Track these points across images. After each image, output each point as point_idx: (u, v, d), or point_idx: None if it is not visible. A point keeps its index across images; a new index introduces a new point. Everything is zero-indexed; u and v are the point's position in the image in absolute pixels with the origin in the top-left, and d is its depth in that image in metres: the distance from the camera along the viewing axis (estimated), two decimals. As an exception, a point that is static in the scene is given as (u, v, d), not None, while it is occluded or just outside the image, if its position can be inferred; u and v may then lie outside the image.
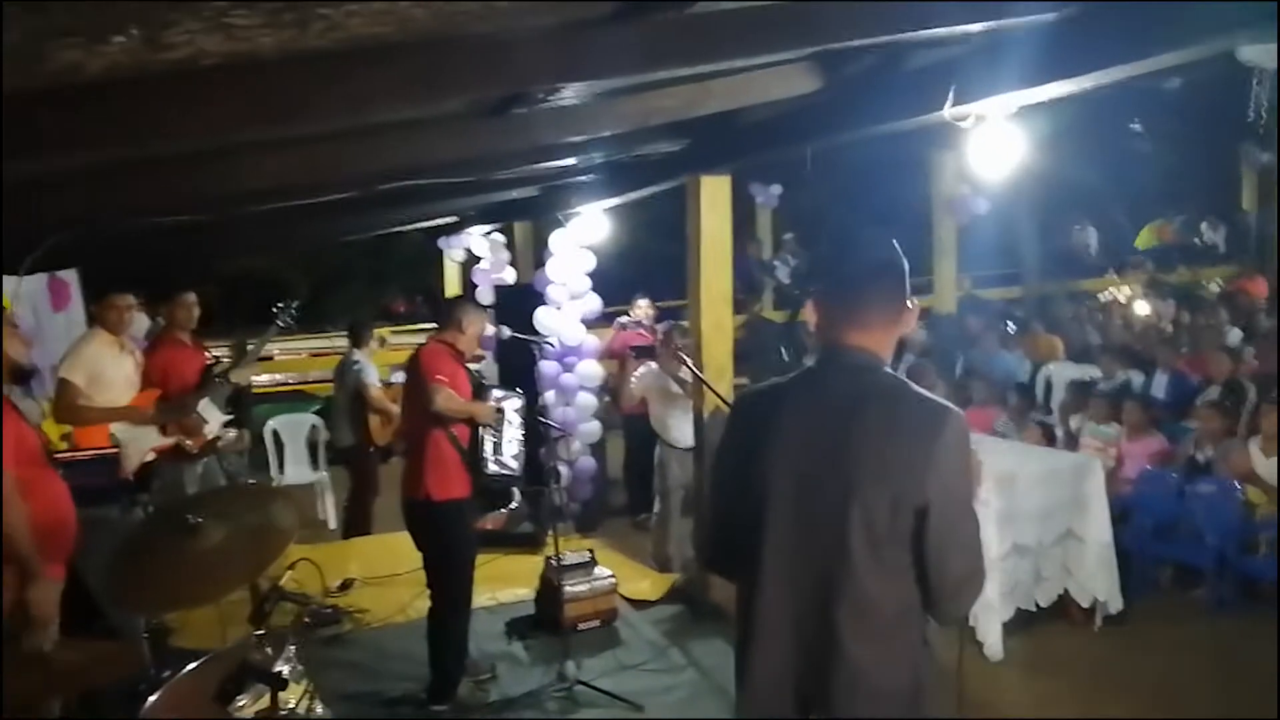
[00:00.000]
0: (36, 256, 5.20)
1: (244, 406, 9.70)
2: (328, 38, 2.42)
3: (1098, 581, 5.41)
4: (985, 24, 3.04)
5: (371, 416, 7.27)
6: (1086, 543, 5.40)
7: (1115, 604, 5.47)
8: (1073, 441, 6.97)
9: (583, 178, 6.72)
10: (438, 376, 4.54)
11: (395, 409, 6.99)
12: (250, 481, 7.52)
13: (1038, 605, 5.38)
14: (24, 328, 6.17)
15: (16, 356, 3.65)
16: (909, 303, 2.16)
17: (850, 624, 1.99)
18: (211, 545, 2.89)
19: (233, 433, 7.95)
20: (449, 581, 4.71)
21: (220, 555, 2.88)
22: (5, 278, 5.84)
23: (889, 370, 2.15)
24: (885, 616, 2.01)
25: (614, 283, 8.09)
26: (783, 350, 10.61)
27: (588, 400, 7.56)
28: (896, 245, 2.19)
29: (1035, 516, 5.26)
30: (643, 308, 7.98)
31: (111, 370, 5.28)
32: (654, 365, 6.38)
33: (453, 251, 10.39)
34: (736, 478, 2.21)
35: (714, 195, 5.55)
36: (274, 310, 6.38)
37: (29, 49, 2.13)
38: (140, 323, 7.22)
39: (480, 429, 4.79)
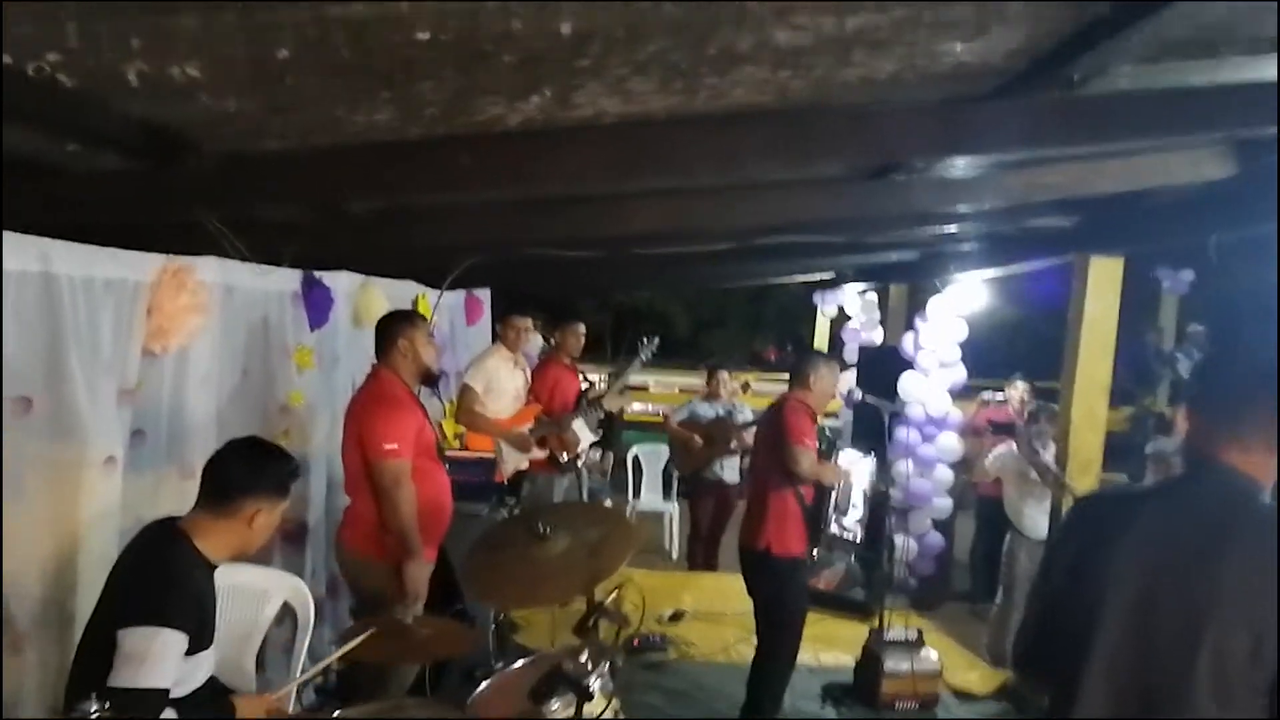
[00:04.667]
0: (456, 275, 5.90)
1: (614, 431, 10.42)
2: (712, 105, 2.62)
3: None
4: None
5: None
6: None
7: None
8: None
9: (965, 245, 6.58)
10: (805, 440, 4.52)
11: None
12: (606, 502, 8.06)
13: None
14: (439, 337, 7.04)
15: (429, 362, 4.16)
16: None
17: None
18: (554, 553, 3.17)
19: (598, 453, 8.58)
20: (776, 635, 4.74)
21: (560, 564, 3.15)
22: (429, 290, 6.69)
23: (1267, 500, 1.93)
24: None
25: (984, 356, 7.80)
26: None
27: (944, 474, 7.32)
28: None
29: None
30: (1020, 389, 7.63)
31: (506, 382, 5.90)
32: (1013, 446, 6.09)
33: (826, 306, 10.49)
34: (1069, 581, 2.07)
35: (1103, 277, 5.23)
36: (638, 344, 6.78)
37: (459, 103, 2.50)
38: (535, 342, 7.97)
39: (825, 489, 4.82)
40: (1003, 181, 3.96)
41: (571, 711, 2.54)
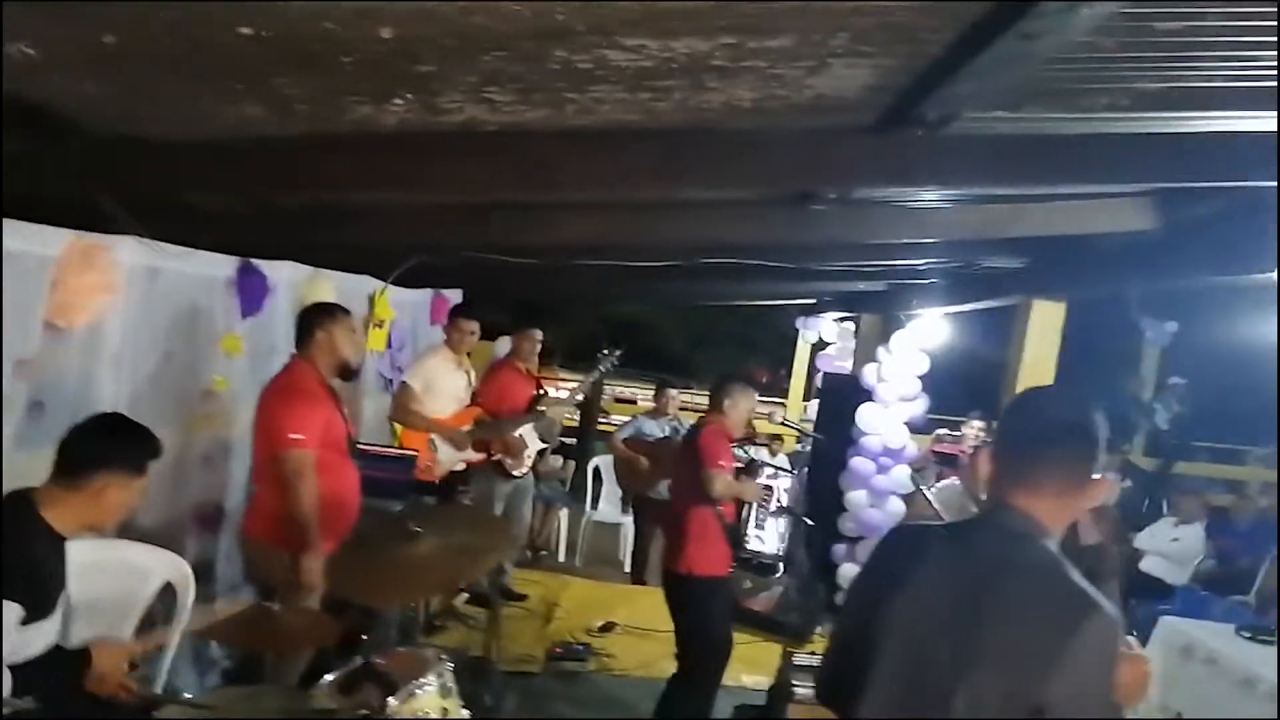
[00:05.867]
0: (399, 273, 5.96)
1: (587, 439, 10.42)
2: (582, 121, 2.65)
3: None
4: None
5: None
6: None
7: None
8: None
9: (925, 280, 6.57)
10: (720, 463, 4.57)
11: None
12: (562, 511, 8.08)
13: None
14: (397, 334, 7.08)
15: (348, 356, 4.18)
16: (1095, 475, 1.94)
17: None
18: (418, 553, 3.19)
19: (560, 461, 8.58)
20: (698, 657, 4.74)
21: (422, 564, 3.16)
22: (391, 287, 6.72)
23: (1048, 546, 1.92)
24: None
25: (948, 392, 7.77)
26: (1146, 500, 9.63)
27: (897, 507, 7.30)
28: (1093, 410, 1.98)
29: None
30: (976, 427, 7.59)
31: (445, 383, 5.92)
32: (956, 481, 6.07)
33: (808, 332, 10.51)
34: (860, 616, 2.10)
35: (1044, 321, 5.21)
36: (598, 355, 6.80)
37: (327, 101, 2.53)
38: (503, 346, 7.98)
39: (745, 506, 4.83)
40: (924, 218, 3.96)
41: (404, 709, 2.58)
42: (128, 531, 4.21)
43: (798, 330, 10.74)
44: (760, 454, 9.85)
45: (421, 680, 2.91)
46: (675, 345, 17.51)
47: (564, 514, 8.39)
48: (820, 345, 10.16)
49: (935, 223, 3.99)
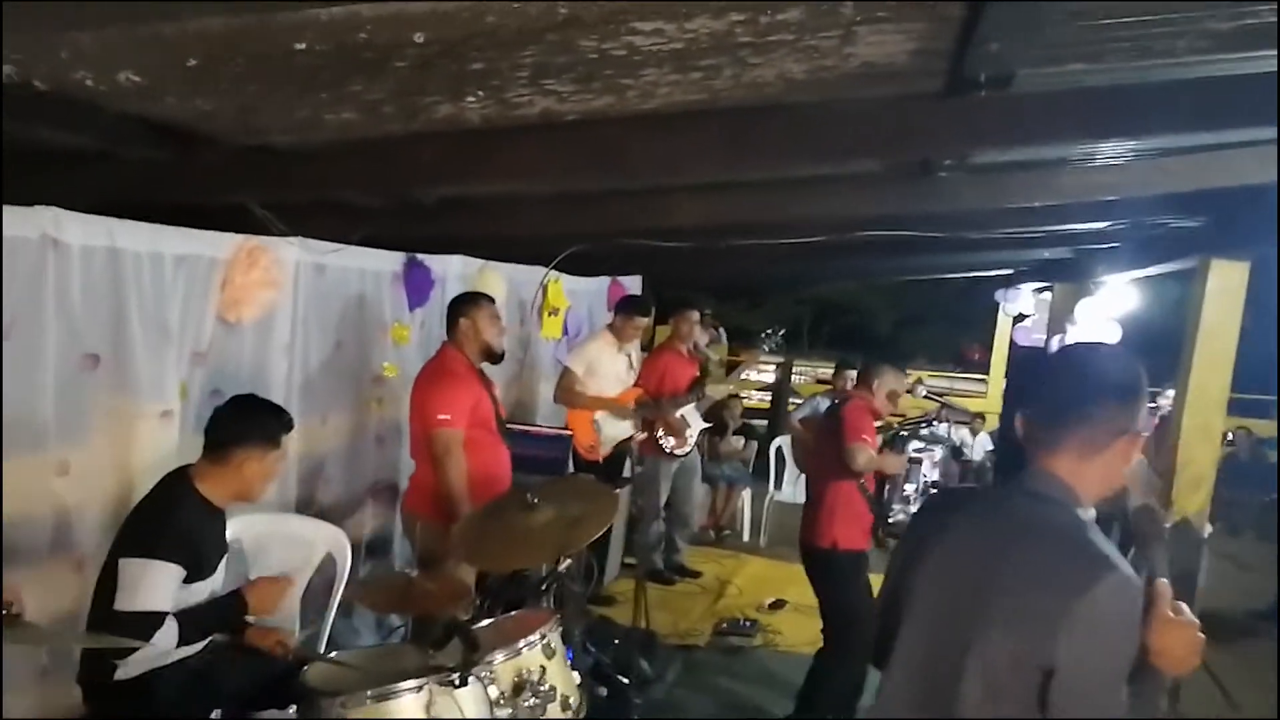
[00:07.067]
0: (558, 261, 6.22)
1: (777, 420, 10.44)
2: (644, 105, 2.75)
3: None
4: None
5: None
6: None
7: None
8: None
9: (1106, 245, 6.24)
10: (864, 437, 4.57)
11: None
12: (745, 492, 8.17)
13: None
14: (574, 321, 7.37)
15: (490, 340, 4.44)
16: (1127, 434, 1.88)
17: None
18: (536, 523, 3.39)
19: (741, 441, 8.67)
20: (842, 632, 4.76)
21: (538, 533, 3.36)
22: (566, 275, 7.01)
23: (1071, 508, 1.88)
24: None
25: (1147, 363, 7.29)
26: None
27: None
28: (1125, 365, 1.91)
29: None
30: (1170, 400, 7.11)
31: (606, 366, 6.15)
32: (1142, 456, 5.73)
33: (1008, 305, 10.11)
34: (895, 578, 2.12)
35: (1224, 283, 4.85)
36: (762, 336, 6.83)
37: (406, 103, 2.75)
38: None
39: (889, 479, 4.79)
40: (1053, 179, 3.80)
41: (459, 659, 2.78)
42: (309, 507, 4.67)
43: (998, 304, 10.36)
44: (961, 433, 9.65)
45: (528, 639, 3.10)
46: (881, 325, 17.21)
47: (747, 494, 8.47)
48: (1020, 318, 9.79)
49: (1068, 185, 3.82)
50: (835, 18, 2.12)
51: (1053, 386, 1.94)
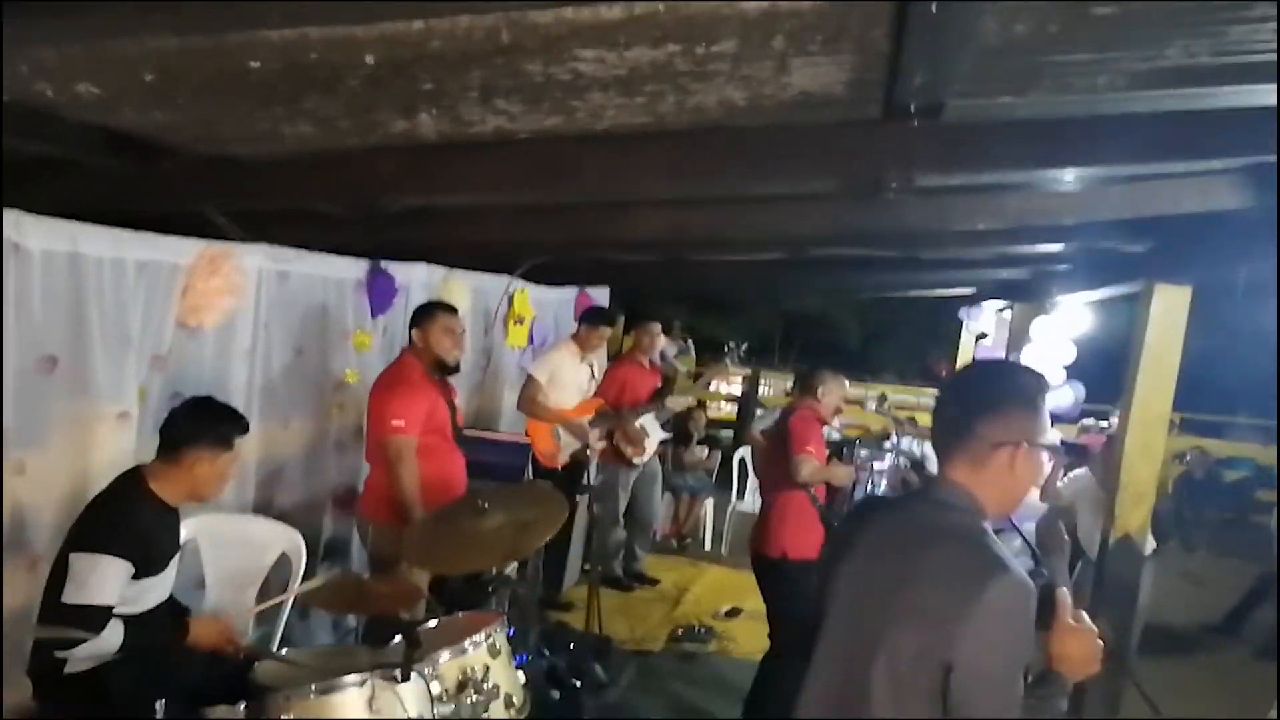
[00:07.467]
0: (522, 271, 6.32)
1: (743, 431, 10.53)
2: (593, 125, 2.84)
3: None
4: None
5: None
6: None
7: None
8: None
9: (1060, 266, 6.39)
10: (808, 448, 4.67)
11: None
12: (708, 500, 8.26)
13: None
14: (539, 330, 7.46)
15: (440, 353, 4.50)
16: (1013, 446, 1.97)
17: None
18: (486, 528, 3.47)
19: (705, 451, 8.76)
20: (789, 640, 4.85)
21: (489, 537, 3.44)
22: (533, 285, 7.09)
23: (970, 515, 1.99)
24: None
25: (1103, 382, 7.47)
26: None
27: (1032, 496, 7.09)
28: (1000, 381, 2.06)
29: None
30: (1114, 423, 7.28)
31: (569, 376, 6.25)
32: (1087, 471, 5.89)
33: (971, 323, 10.26)
34: (821, 580, 2.24)
35: (1167, 306, 4.99)
36: (725, 350, 6.95)
37: (362, 118, 2.83)
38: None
39: (839, 488, 4.91)
40: (997, 203, 3.92)
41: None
42: (268, 510, 4.73)
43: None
44: (924, 447, 9.77)
45: (473, 638, 3.18)
46: (851, 339, 17.41)
47: (709, 504, 8.57)
48: (983, 336, 9.94)
49: (1012, 209, 3.94)
50: (767, 49, 2.22)
51: (942, 401, 2.12)
